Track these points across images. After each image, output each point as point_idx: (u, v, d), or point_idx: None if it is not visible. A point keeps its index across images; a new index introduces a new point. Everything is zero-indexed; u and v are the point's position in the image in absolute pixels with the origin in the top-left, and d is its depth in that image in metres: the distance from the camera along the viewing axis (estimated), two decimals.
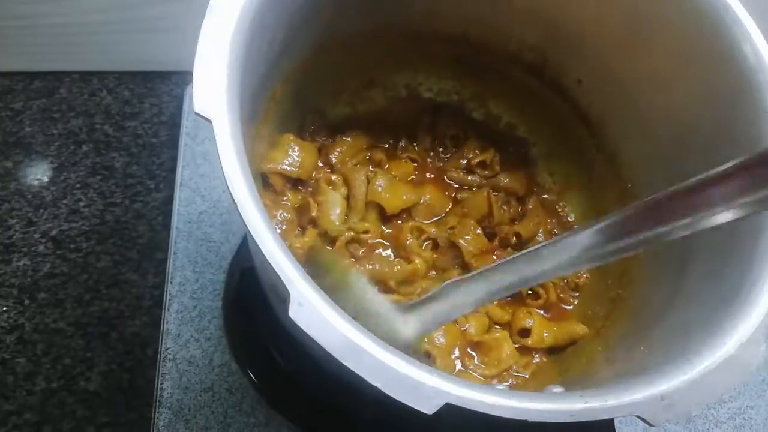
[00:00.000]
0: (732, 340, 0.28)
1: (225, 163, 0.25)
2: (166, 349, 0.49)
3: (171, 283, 0.52)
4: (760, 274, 0.30)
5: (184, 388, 0.48)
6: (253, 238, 0.24)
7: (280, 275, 0.24)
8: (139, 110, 0.66)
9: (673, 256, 0.38)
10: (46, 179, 0.61)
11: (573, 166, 0.51)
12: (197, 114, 0.25)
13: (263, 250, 0.24)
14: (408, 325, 0.35)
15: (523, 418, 0.24)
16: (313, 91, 0.46)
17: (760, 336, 0.28)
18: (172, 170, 0.60)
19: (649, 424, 0.26)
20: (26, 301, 0.55)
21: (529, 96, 0.50)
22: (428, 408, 0.23)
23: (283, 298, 0.24)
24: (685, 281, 0.36)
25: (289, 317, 0.23)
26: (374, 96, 0.51)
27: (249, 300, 0.51)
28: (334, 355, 0.23)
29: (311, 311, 0.24)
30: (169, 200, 0.58)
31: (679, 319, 0.34)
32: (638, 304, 0.42)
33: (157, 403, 0.47)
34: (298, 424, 0.47)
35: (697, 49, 0.37)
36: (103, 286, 0.56)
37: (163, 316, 0.51)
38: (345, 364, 0.23)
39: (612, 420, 0.27)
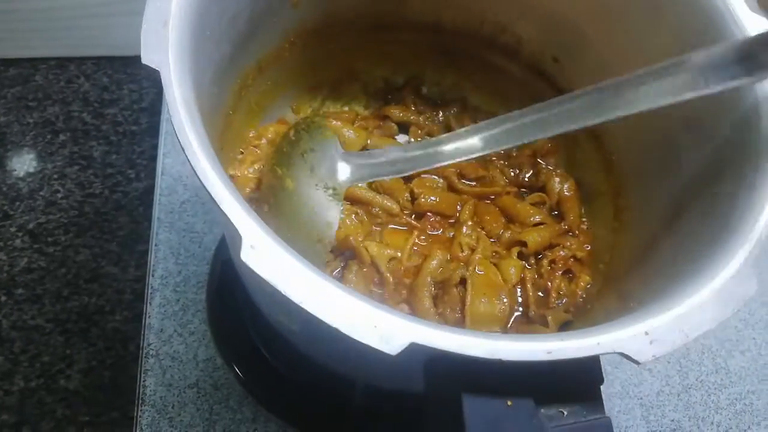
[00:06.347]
0: (720, 274, 0.27)
1: (174, 111, 0.24)
2: (149, 345, 0.48)
3: (153, 275, 0.51)
4: (746, 209, 0.30)
5: (168, 384, 0.47)
6: (202, 183, 0.23)
7: (229, 216, 0.23)
8: (118, 97, 0.64)
9: (666, 199, 0.37)
10: (21, 170, 0.59)
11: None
12: (144, 64, 0.24)
13: (211, 191, 0.23)
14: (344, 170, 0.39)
15: (497, 357, 0.22)
16: (290, 83, 0.45)
17: (749, 270, 0.27)
18: (153, 158, 0.58)
19: (635, 362, 0.24)
20: (2, 298, 0.53)
21: (509, 81, 0.49)
22: (392, 348, 0.22)
23: (238, 247, 0.23)
24: (676, 223, 0.35)
25: (242, 260, 0.22)
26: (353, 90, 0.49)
27: (234, 292, 0.49)
28: (291, 298, 0.22)
29: (264, 253, 0.22)
30: (151, 190, 0.56)
31: (667, 257, 0.34)
32: (628, 251, 0.41)
33: (140, 401, 0.46)
34: (286, 419, 0.46)
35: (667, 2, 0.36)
36: (82, 280, 0.54)
37: (145, 311, 0.50)
38: (302, 307, 0.22)
39: (598, 363, 0.25)
